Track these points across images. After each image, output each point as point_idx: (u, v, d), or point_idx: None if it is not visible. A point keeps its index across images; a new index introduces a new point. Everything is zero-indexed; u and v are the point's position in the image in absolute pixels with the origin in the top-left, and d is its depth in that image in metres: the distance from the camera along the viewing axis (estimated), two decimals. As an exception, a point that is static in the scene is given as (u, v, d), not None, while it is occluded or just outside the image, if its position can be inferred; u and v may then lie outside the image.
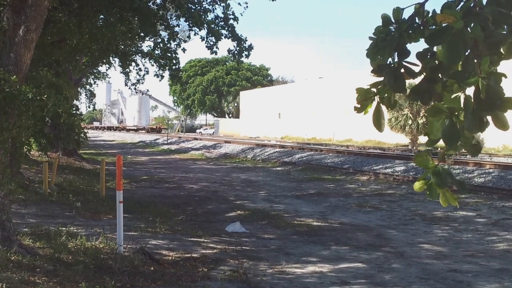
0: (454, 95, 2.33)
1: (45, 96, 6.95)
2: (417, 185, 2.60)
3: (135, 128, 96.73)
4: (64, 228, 8.75)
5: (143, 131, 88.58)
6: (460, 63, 2.29)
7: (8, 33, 7.16)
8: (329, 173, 21.45)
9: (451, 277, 7.22)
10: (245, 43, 15.32)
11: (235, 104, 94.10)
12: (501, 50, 2.35)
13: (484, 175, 17.41)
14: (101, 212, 11.27)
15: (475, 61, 2.26)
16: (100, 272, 6.51)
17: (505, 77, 2.31)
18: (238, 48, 15.31)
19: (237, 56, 15.54)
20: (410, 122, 36.85)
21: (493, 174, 17.34)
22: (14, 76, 6.77)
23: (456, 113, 2.32)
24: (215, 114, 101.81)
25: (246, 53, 15.43)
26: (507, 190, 15.11)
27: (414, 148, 36.99)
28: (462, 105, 2.31)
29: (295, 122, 61.96)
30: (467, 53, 2.24)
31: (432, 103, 2.50)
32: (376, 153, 27.75)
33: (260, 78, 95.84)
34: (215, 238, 9.60)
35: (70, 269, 6.46)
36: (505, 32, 2.31)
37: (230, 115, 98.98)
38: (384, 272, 7.48)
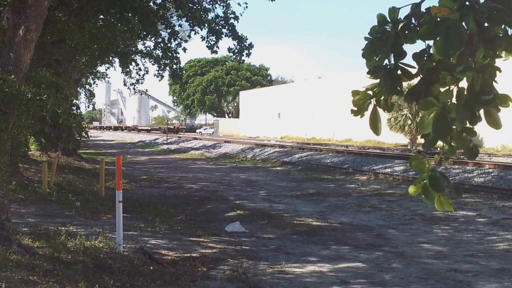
0: (447, 87, 2.29)
1: (45, 96, 6.92)
2: (411, 189, 2.56)
3: (148, 128, 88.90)
4: (63, 228, 8.73)
5: (158, 132, 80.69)
6: (455, 58, 2.25)
7: (8, 33, 7.13)
8: (329, 173, 21.43)
9: (451, 277, 7.20)
10: (246, 42, 15.34)
11: (235, 104, 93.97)
12: (497, 49, 2.31)
13: (483, 175, 17.38)
14: (101, 211, 11.25)
15: (470, 58, 2.22)
16: (100, 271, 6.49)
17: (499, 71, 2.29)
18: (238, 47, 15.32)
19: (237, 55, 15.54)
20: (409, 122, 36.85)
21: (492, 174, 17.31)
22: (12, 76, 6.75)
23: (447, 107, 2.29)
24: (215, 114, 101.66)
25: (247, 51, 15.45)
26: (506, 190, 15.09)
27: (414, 148, 36.96)
28: (454, 99, 2.27)
29: (294, 122, 61.88)
30: (462, 48, 2.21)
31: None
32: (375, 153, 27.71)
33: (260, 78, 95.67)
34: (214, 237, 9.58)
35: (69, 269, 6.44)
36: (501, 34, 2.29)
37: (230, 115, 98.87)
38: (383, 271, 7.46)
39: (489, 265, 7.88)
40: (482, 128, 2.59)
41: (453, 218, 11.68)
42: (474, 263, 7.98)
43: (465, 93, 2.24)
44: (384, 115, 36.96)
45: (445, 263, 7.97)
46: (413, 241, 9.56)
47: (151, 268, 6.98)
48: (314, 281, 6.97)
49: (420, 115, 2.39)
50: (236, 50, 15.43)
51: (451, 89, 2.28)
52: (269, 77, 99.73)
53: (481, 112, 2.33)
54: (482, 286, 6.86)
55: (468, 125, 2.34)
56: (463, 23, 2.17)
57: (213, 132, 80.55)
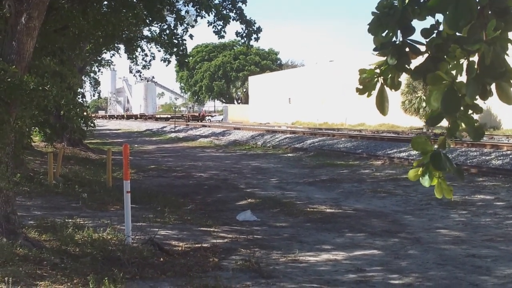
0: (457, 61, 2.22)
1: (48, 86, 6.77)
2: (411, 173, 2.49)
3: (169, 116, 79.49)
4: (70, 220, 8.68)
5: (179, 120, 69.07)
6: (466, 31, 2.16)
7: (10, 21, 7.01)
8: (342, 159, 21.18)
9: (470, 263, 7.06)
10: (254, 26, 15.13)
11: (244, 90, 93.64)
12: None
13: (501, 158, 17.01)
14: (108, 203, 11.15)
15: (481, 30, 2.14)
16: (109, 264, 6.45)
17: (511, 43, 2.19)
18: (246, 31, 15.11)
19: (246, 39, 15.34)
20: (424, 104, 36.30)
21: (511, 156, 16.93)
22: (14, 66, 6.60)
23: (457, 82, 2.21)
24: (224, 100, 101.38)
25: (255, 36, 15.26)
26: (525, 173, 14.75)
27: (429, 131, 36.46)
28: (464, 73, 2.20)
29: (306, 107, 61.47)
30: (473, 21, 2.12)
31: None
32: (390, 137, 27.36)
33: (269, 62, 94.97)
34: (225, 227, 9.48)
35: (77, 262, 6.41)
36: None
37: (239, 101, 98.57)
38: (400, 258, 7.33)
39: (508, 249, 7.73)
40: (500, 110, 2.43)
41: (470, 202, 11.46)
42: (493, 248, 7.82)
43: (476, 66, 2.17)
44: (398, 98, 36.56)
45: (463, 248, 7.82)
46: (430, 226, 9.38)
47: (161, 259, 6.93)
48: (328, 269, 6.85)
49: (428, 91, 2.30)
50: (244, 35, 15.22)
51: (461, 63, 2.21)
52: (278, 62, 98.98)
53: (492, 87, 2.25)
54: (502, 271, 6.71)
55: (478, 99, 2.26)
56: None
57: (222, 119, 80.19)
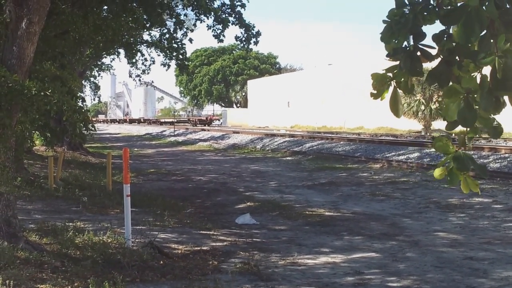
0: (470, 75, 2.29)
1: (50, 91, 6.81)
2: (437, 172, 2.54)
3: (174, 120, 76.17)
4: (71, 224, 8.70)
5: (186, 124, 67.65)
6: (476, 43, 2.24)
7: (10, 26, 7.02)
8: (341, 162, 21.19)
9: (467, 265, 7.08)
10: (253, 30, 15.20)
11: (243, 94, 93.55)
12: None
13: (499, 160, 17.03)
14: (108, 206, 11.16)
15: (492, 41, 2.21)
16: (109, 267, 6.46)
17: None
18: (246, 35, 15.19)
19: (245, 43, 15.41)
20: (422, 107, 36.26)
21: (508, 159, 16.94)
22: (15, 75, 6.63)
23: (472, 94, 2.29)
24: (223, 104, 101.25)
25: (254, 39, 15.33)
26: (523, 176, 14.78)
27: (428, 134, 36.45)
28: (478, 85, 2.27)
29: (304, 111, 61.42)
30: (483, 33, 2.19)
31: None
32: (388, 140, 27.35)
33: (268, 66, 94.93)
34: (225, 230, 9.49)
35: (78, 265, 6.42)
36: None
37: (238, 105, 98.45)
38: (398, 261, 7.35)
39: (506, 252, 7.75)
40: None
41: (468, 205, 11.48)
42: (491, 250, 7.84)
43: (488, 80, 2.24)
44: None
45: (460, 251, 7.84)
46: (428, 229, 9.41)
47: (161, 262, 6.94)
48: (327, 272, 6.86)
49: (436, 100, 2.37)
50: (244, 38, 15.30)
51: (474, 76, 2.28)
52: (277, 65, 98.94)
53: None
54: (499, 274, 6.72)
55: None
56: (484, 8, 2.16)
57: (221, 123, 79.96)
